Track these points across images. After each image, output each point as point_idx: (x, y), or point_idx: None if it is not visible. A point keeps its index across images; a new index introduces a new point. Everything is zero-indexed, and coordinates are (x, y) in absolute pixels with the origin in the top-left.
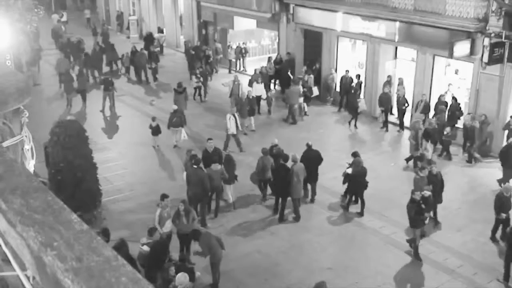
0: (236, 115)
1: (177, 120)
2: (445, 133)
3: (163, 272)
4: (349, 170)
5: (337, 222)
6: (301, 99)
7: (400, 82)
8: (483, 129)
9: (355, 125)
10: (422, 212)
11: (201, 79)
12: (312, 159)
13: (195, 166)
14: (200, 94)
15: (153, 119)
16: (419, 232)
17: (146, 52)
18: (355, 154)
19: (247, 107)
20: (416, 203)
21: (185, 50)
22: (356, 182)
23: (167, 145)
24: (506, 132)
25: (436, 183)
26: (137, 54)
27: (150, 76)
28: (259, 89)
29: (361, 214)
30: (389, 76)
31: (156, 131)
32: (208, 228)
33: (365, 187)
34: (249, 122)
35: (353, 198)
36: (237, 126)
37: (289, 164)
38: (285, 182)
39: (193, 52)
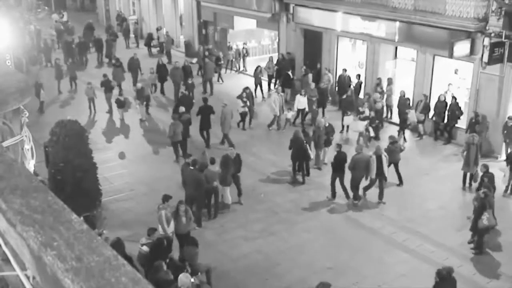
0: (385, 154)
1: (146, 95)
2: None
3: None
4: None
5: (337, 222)
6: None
7: (389, 82)
8: (483, 130)
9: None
10: None
11: (248, 102)
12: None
13: (191, 168)
14: (243, 120)
15: (120, 93)
16: None
17: (180, 66)
18: (302, 131)
19: (324, 137)
20: None
21: (186, 52)
22: (295, 150)
23: (166, 143)
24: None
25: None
26: (171, 69)
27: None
28: (302, 102)
29: (302, 182)
30: (378, 79)
31: (122, 104)
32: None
33: (305, 157)
34: (324, 154)
35: (297, 167)
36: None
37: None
38: (207, 118)
39: (207, 54)
